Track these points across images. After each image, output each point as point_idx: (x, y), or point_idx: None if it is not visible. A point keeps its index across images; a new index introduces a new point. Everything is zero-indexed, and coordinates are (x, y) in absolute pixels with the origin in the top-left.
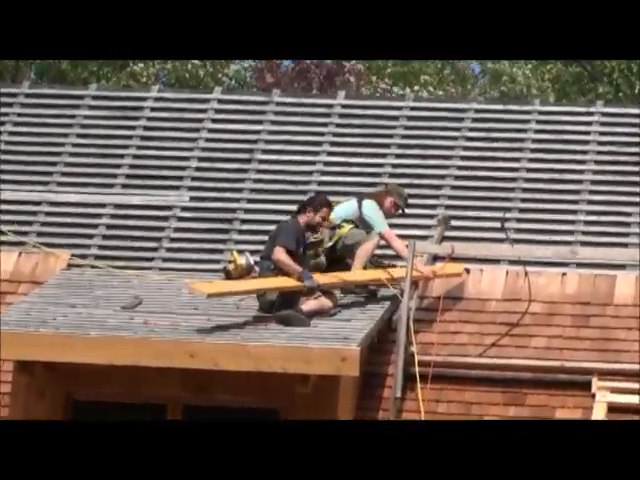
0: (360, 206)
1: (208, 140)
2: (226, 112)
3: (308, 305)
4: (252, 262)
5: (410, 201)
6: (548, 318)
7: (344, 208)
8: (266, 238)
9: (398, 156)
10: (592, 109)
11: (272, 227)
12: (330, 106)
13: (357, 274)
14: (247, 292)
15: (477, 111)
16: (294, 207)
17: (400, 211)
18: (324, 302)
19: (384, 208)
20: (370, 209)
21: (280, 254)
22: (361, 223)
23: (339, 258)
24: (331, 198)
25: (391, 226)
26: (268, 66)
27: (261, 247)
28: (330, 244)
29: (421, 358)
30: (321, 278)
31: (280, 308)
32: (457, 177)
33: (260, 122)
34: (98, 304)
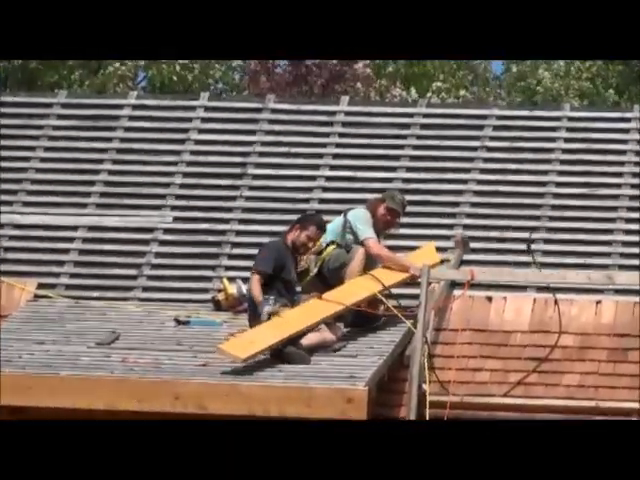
0: (346, 218)
1: (194, 153)
2: (215, 121)
3: (308, 339)
4: (244, 291)
5: (424, 220)
6: (581, 352)
7: (331, 226)
8: None
9: (410, 169)
10: (629, 114)
11: None
12: (332, 113)
13: (350, 290)
14: (282, 341)
15: (499, 118)
16: None
17: (398, 218)
18: (326, 335)
19: (378, 217)
20: (355, 216)
21: (252, 282)
22: (351, 233)
23: (329, 286)
24: (330, 218)
25: (401, 249)
26: (264, 68)
27: None
28: (315, 270)
29: (437, 398)
30: (320, 308)
31: None
32: (477, 193)
33: (253, 132)
34: (69, 340)
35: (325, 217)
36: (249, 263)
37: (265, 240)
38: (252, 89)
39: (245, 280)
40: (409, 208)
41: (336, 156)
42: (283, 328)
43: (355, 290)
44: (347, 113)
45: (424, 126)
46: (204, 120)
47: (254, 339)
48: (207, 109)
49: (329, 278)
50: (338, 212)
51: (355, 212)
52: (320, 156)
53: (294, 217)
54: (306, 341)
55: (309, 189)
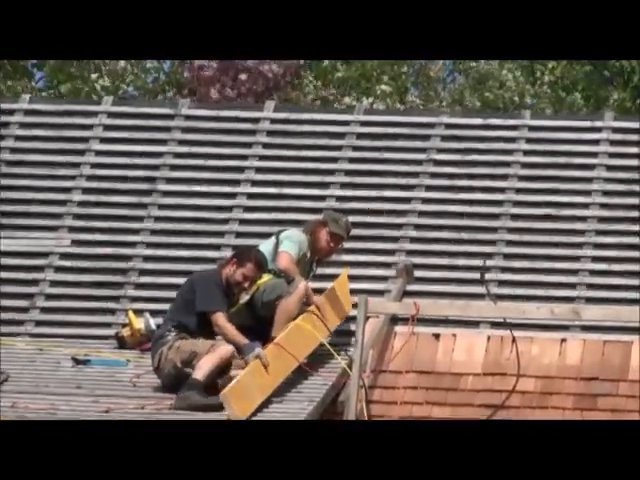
0: (278, 239)
1: (94, 166)
2: (119, 129)
3: (201, 368)
4: (153, 326)
5: (361, 245)
6: (543, 398)
7: (262, 249)
8: (170, 294)
9: (345, 186)
10: (599, 123)
11: (178, 280)
12: (256, 120)
13: (303, 336)
14: (273, 393)
15: (448, 126)
16: (208, 254)
17: (341, 244)
18: (221, 350)
19: (320, 243)
20: (289, 235)
21: (221, 325)
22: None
23: (261, 319)
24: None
25: (333, 277)
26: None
27: (165, 306)
28: (247, 298)
29: None
30: (285, 356)
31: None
32: (422, 213)
33: (164, 142)
34: None
35: (247, 241)
36: (159, 293)
37: (176, 267)
38: (200, 98)
39: (154, 313)
40: None
41: (260, 170)
42: (268, 377)
43: (308, 335)
44: (273, 120)
45: (362, 135)
46: (107, 128)
47: (247, 390)
48: (110, 115)
49: (261, 310)
50: (261, 235)
51: (289, 232)
52: (241, 170)
53: (210, 240)
54: (200, 372)
55: (229, 208)
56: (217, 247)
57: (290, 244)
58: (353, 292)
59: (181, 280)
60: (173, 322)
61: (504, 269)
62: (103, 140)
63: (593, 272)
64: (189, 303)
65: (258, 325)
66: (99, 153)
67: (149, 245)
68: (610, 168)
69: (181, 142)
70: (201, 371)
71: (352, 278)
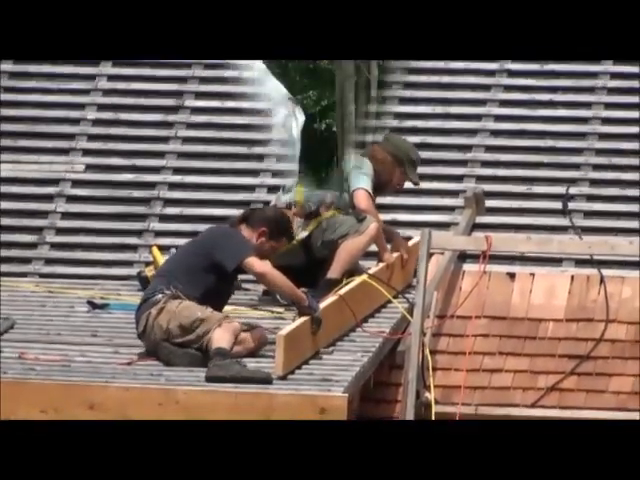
0: (342, 169)
1: (112, 78)
2: None
3: (219, 340)
4: None
5: (425, 170)
6: (636, 348)
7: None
8: (200, 227)
9: (404, 101)
10: None
11: (209, 211)
12: None
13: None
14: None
15: None
16: (245, 180)
17: (413, 184)
18: (235, 327)
19: (390, 182)
20: (357, 164)
21: (266, 267)
22: (347, 191)
23: (315, 261)
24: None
25: (391, 208)
26: None
27: None
28: (304, 235)
29: (442, 409)
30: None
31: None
32: (495, 132)
33: None
34: None
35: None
36: (187, 226)
37: (207, 196)
38: None
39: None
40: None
41: None
42: (322, 332)
43: (372, 294)
44: None
45: None
46: None
47: (300, 340)
48: None
49: (318, 249)
50: None
51: (354, 160)
52: None
53: (248, 164)
54: (224, 342)
55: (269, 126)
56: (256, 173)
57: (364, 178)
58: (415, 225)
59: (213, 211)
60: (171, 282)
61: (591, 197)
62: None
63: None
64: (195, 266)
65: (310, 267)
66: (117, 63)
67: (176, 170)
68: None
69: None
70: (223, 342)
71: (413, 208)
